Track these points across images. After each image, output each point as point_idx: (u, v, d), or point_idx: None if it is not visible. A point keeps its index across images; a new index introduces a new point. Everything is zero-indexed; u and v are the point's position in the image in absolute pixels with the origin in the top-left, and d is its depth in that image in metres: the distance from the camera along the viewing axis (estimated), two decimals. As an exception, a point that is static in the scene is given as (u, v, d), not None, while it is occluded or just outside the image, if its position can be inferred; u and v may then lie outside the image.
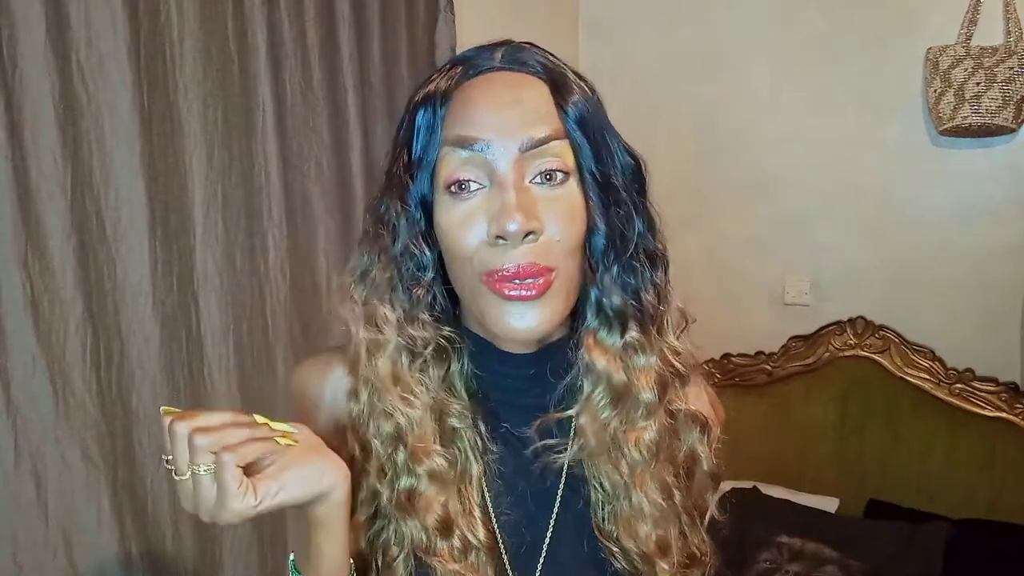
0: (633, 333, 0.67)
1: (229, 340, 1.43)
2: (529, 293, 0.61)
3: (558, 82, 0.65)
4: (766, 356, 2.38)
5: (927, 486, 2.16)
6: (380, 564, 0.68)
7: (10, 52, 1.12)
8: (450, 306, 0.70)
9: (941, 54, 2.05)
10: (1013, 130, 2.02)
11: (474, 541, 0.65)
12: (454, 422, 0.67)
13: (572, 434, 0.70)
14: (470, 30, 2.01)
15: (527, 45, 0.68)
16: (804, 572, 1.88)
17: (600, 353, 0.67)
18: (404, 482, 0.66)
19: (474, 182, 0.62)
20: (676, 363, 0.69)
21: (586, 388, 0.68)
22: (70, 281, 1.19)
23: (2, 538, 1.14)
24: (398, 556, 0.67)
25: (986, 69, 1.98)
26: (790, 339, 2.35)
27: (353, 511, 0.66)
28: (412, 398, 0.66)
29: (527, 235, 0.60)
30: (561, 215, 0.63)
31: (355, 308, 0.68)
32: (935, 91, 2.06)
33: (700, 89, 2.42)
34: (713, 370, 2.44)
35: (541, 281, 0.61)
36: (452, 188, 0.63)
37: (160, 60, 1.31)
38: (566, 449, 0.69)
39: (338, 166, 1.66)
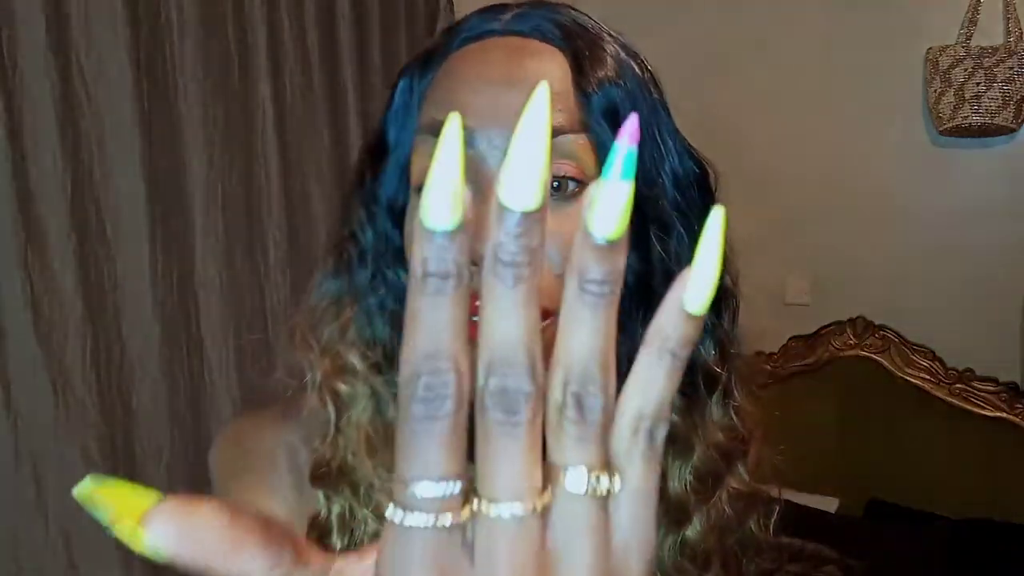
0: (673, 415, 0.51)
1: (229, 340, 1.43)
2: None
3: (583, 53, 0.46)
4: (766, 356, 2.38)
5: (927, 486, 2.15)
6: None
7: (10, 52, 1.12)
8: None
9: (941, 54, 2.04)
10: (1013, 130, 2.02)
11: None
12: None
13: None
14: (470, 30, 2.01)
15: (551, 3, 0.49)
16: (804, 572, 1.87)
17: None
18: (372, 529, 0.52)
19: None
20: (740, 429, 0.56)
21: None
22: (70, 281, 1.19)
23: (2, 538, 1.14)
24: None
25: (986, 69, 1.98)
26: (790, 339, 2.35)
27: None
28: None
29: None
30: (567, 239, 0.49)
31: (312, 356, 0.54)
32: (935, 91, 2.06)
33: (700, 89, 2.41)
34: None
35: None
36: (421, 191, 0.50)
37: (160, 60, 1.31)
38: None
39: (338, 166, 1.66)
